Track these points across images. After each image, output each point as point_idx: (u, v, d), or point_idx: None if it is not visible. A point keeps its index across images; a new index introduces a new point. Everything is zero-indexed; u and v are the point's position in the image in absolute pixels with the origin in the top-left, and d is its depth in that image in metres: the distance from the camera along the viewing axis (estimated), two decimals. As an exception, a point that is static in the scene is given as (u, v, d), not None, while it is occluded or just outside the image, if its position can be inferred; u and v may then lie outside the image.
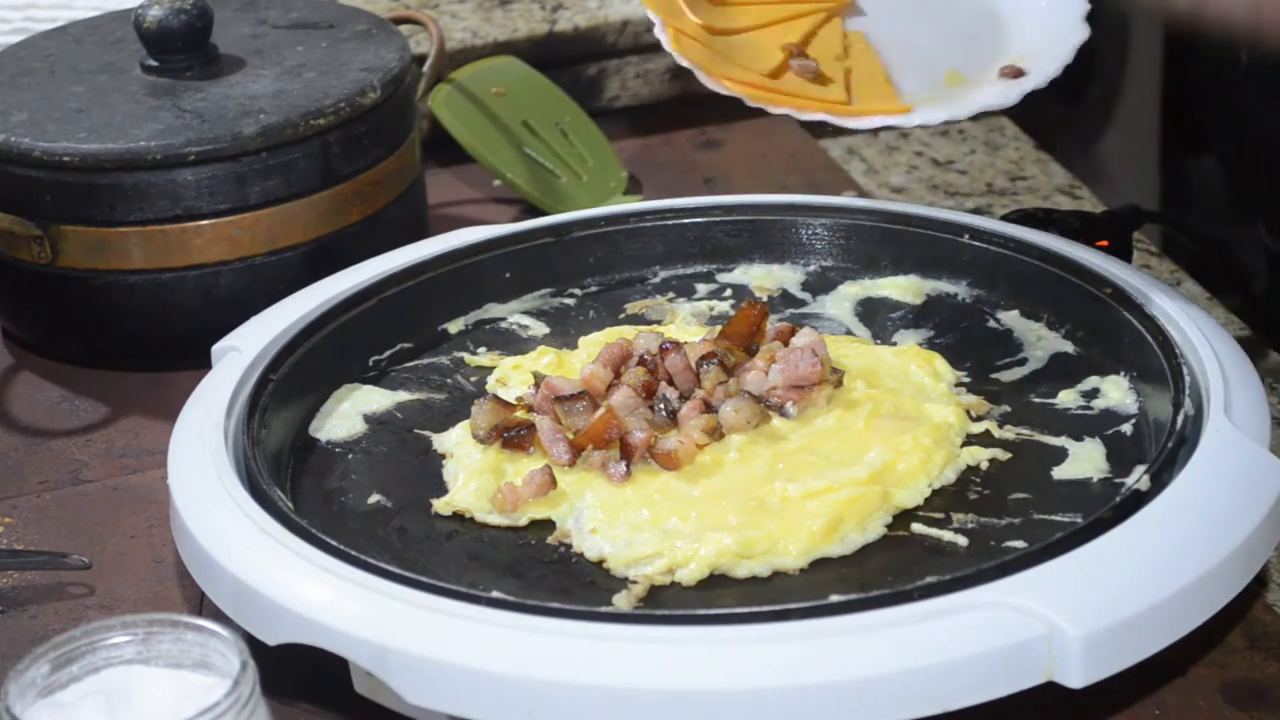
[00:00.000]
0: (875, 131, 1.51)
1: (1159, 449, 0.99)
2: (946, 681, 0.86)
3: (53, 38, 1.36)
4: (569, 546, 1.00)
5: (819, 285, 1.22)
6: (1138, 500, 0.94)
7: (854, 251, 1.23)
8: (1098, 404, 1.08)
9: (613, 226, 1.25)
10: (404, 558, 0.99)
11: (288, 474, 1.07)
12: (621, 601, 0.95)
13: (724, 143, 1.53)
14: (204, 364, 1.14)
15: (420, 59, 1.40)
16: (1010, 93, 1.16)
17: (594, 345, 1.13)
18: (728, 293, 1.22)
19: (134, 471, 1.16)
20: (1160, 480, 0.95)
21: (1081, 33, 1.14)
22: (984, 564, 0.90)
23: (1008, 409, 1.09)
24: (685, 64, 1.19)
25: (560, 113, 1.47)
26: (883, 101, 1.19)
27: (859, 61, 1.23)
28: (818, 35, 1.27)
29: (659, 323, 1.19)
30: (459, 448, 1.07)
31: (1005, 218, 1.23)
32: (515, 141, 1.42)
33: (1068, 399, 1.09)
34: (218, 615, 0.94)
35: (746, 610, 0.89)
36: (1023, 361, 1.13)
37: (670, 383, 1.07)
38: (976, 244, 1.19)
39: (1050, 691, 0.87)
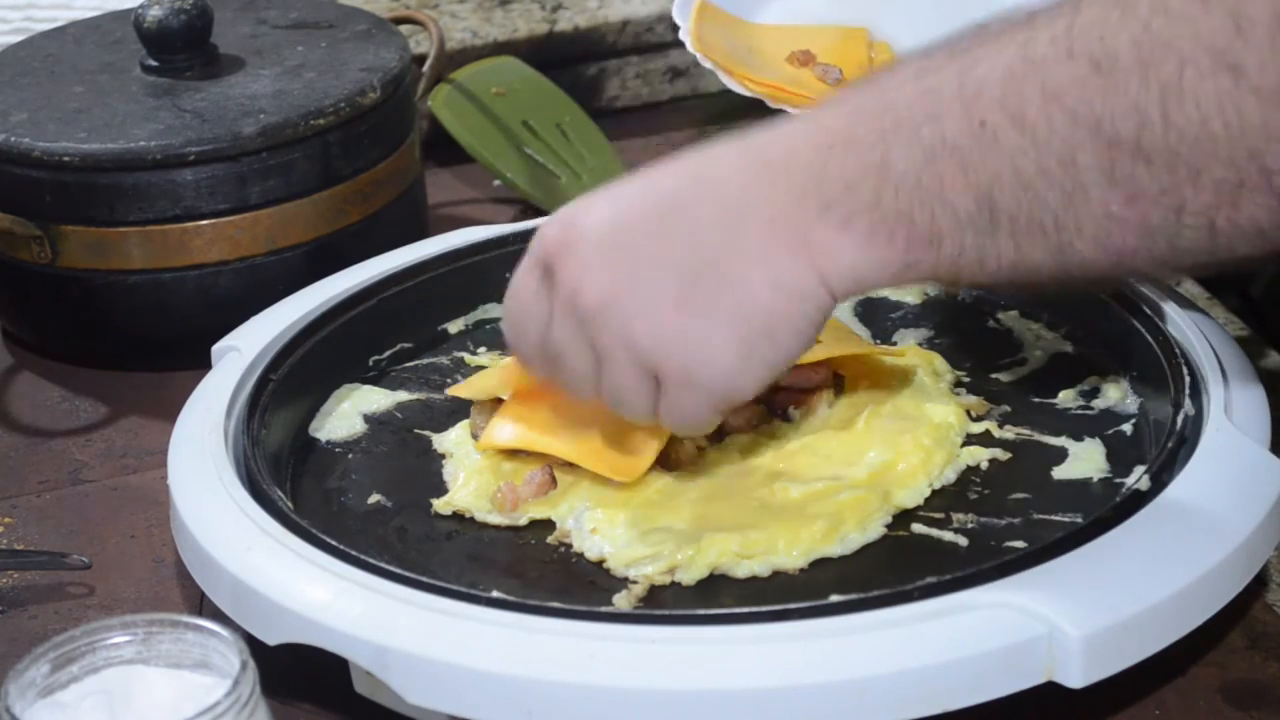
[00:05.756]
0: None
1: (1159, 449, 0.99)
2: (946, 681, 0.86)
3: (53, 38, 1.36)
4: (569, 546, 1.00)
5: (819, 285, 1.22)
6: (1138, 500, 0.94)
7: (854, 251, 1.23)
8: (1098, 404, 1.08)
9: (613, 226, 1.25)
10: (404, 558, 0.99)
11: (288, 474, 1.07)
12: (621, 601, 0.95)
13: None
14: (204, 364, 1.14)
15: (420, 59, 1.40)
16: None
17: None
18: (728, 293, 1.22)
19: (134, 471, 1.16)
20: (1160, 480, 0.95)
21: None
22: (984, 564, 0.90)
23: (1008, 409, 1.08)
24: (708, 65, 1.19)
25: (560, 113, 1.47)
26: None
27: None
28: (842, 44, 1.27)
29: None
30: (459, 448, 1.07)
31: (1005, 218, 1.23)
32: (515, 141, 1.42)
33: (1068, 399, 1.09)
34: (218, 615, 0.94)
35: (746, 610, 0.88)
36: (1023, 361, 1.13)
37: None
38: (976, 244, 1.19)
39: (1050, 691, 0.87)
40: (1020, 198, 0.85)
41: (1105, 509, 0.94)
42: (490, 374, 1.10)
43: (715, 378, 0.92)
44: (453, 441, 1.08)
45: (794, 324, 0.91)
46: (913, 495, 1.01)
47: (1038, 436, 1.06)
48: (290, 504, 1.01)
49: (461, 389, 1.09)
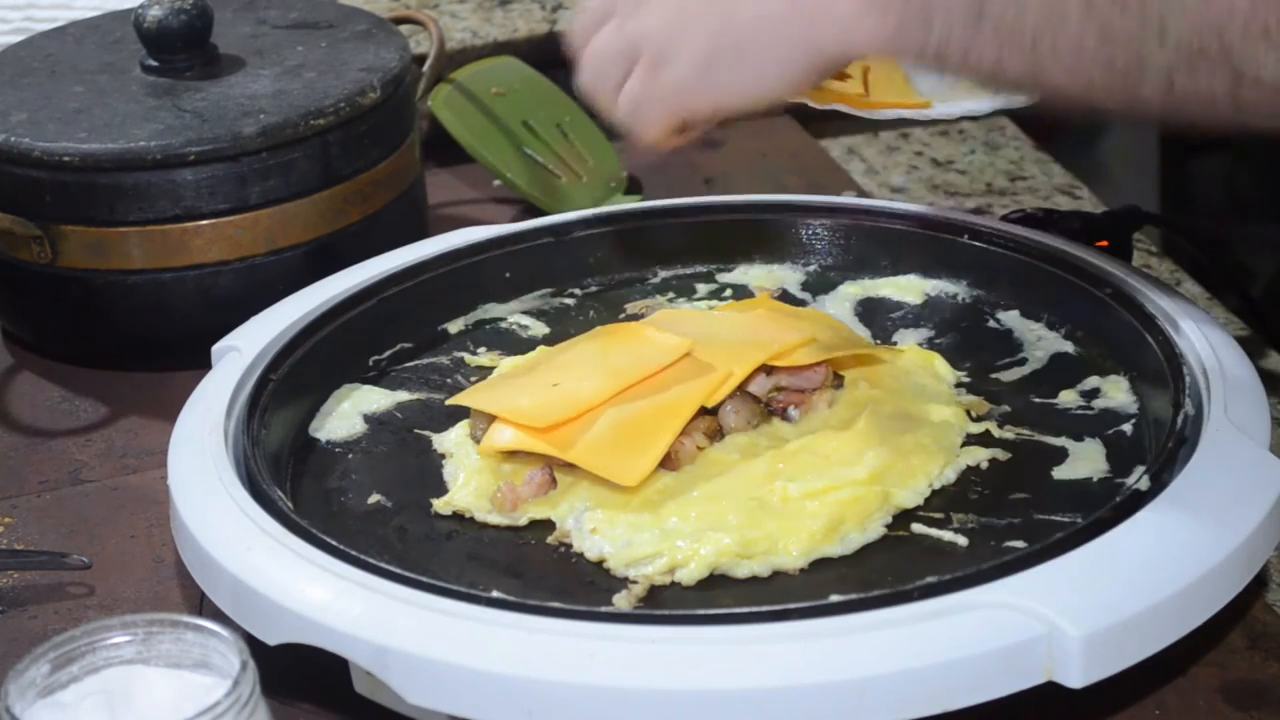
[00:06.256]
0: (877, 131, 1.52)
1: (1159, 449, 0.99)
2: (946, 681, 0.86)
3: (53, 38, 1.36)
4: (569, 546, 1.00)
5: (819, 285, 1.22)
6: (1138, 500, 0.94)
7: (854, 251, 1.23)
8: (1098, 404, 1.08)
9: (613, 226, 1.25)
10: (404, 558, 0.99)
11: (288, 474, 1.07)
12: (621, 601, 0.95)
13: (724, 143, 1.53)
14: (204, 364, 1.14)
15: (420, 59, 1.40)
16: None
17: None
18: (728, 293, 1.22)
19: (134, 471, 1.16)
20: (1160, 480, 0.95)
21: None
22: (984, 564, 0.90)
23: (1008, 409, 1.09)
24: None
25: (560, 113, 1.46)
26: (900, 97, 1.20)
27: (878, 60, 1.23)
28: None
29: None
30: (459, 448, 1.07)
31: (1005, 218, 1.23)
32: (515, 141, 1.42)
33: (1068, 399, 1.09)
34: (218, 615, 0.94)
35: (746, 610, 0.88)
36: (1023, 361, 1.13)
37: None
38: (976, 244, 1.19)
39: (1050, 691, 0.87)
40: (1008, 6, 0.92)
41: (1105, 509, 0.94)
42: (491, 385, 1.10)
43: (674, 75, 1.03)
44: (453, 441, 1.08)
45: (765, 51, 1.00)
46: (913, 495, 1.01)
47: (1038, 436, 1.06)
48: (290, 504, 1.01)
49: (463, 398, 1.09)
